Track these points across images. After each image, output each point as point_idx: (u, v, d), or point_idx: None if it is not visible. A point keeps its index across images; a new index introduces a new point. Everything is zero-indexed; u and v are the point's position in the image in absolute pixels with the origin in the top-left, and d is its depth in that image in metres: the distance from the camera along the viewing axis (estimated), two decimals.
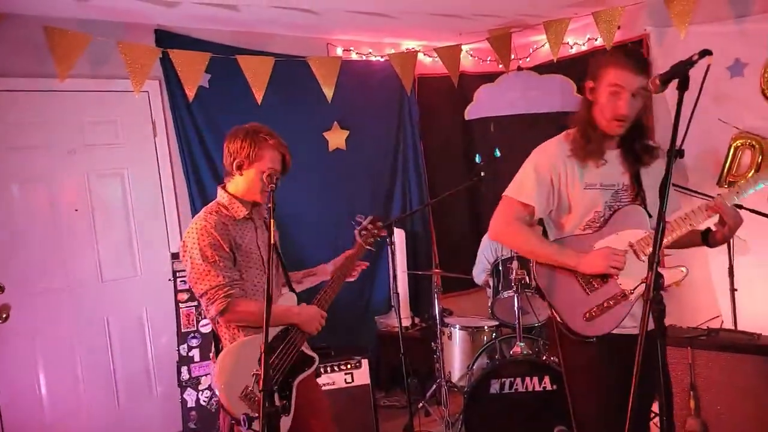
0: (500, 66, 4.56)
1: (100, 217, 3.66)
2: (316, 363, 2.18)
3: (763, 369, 2.45)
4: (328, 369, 3.52)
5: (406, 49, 4.58)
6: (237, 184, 2.16)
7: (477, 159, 4.88)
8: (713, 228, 2.02)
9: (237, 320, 2.05)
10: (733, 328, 3.13)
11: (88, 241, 3.62)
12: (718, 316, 3.57)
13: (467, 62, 4.87)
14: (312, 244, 4.11)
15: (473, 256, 4.16)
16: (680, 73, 1.65)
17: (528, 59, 4.82)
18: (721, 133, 3.78)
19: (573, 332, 1.94)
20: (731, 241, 3.31)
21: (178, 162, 3.86)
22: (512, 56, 4.52)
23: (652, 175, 2.00)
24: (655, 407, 1.61)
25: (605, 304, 1.92)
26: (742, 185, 1.98)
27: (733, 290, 3.29)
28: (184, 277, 3.66)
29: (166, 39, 3.70)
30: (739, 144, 3.73)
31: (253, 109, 3.71)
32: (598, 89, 1.95)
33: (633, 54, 2.03)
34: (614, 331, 1.91)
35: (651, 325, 1.51)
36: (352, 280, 2.45)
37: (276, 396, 2.00)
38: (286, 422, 2.01)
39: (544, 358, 3.17)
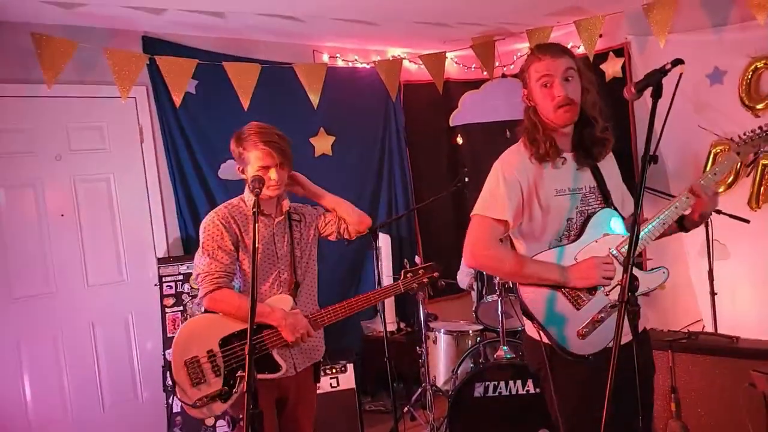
0: (484, 73, 4.62)
1: (86, 222, 3.66)
2: (279, 374, 2.12)
3: (741, 372, 2.49)
4: None
5: (392, 57, 4.63)
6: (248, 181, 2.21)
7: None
8: (687, 212, 1.94)
9: (218, 308, 2.12)
10: (713, 331, 3.18)
11: (74, 246, 3.61)
12: (699, 320, 3.63)
13: (452, 69, 4.93)
14: None
15: (459, 261, 4.19)
16: (654, 81, 1.67)
17: (512, 66, 4.88)
18: (702, 140, 3.86)
19: (569, 352, 1.81)
20: (711, 245, 3.38)
21: (164, 168, 3.87)
22: (496, 63, 4.58)
23: (608, 175, 1.98)
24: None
25: (596, 318, 1.83)
26: (713, 172, 1.94)
27: (713, 294, 3.35)
28: (171, 281, 3.67)
29: (153, 45, 3.72)
30: (719, 150, 3.81)
31: (239, 116, 3.71)
32: (532, 90, 1.92)
33: (547, 44, 2.04)
34: (609, 345, 1.79)
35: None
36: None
37: (219, 379, 2.04)
38: (219, 407, 2.05)
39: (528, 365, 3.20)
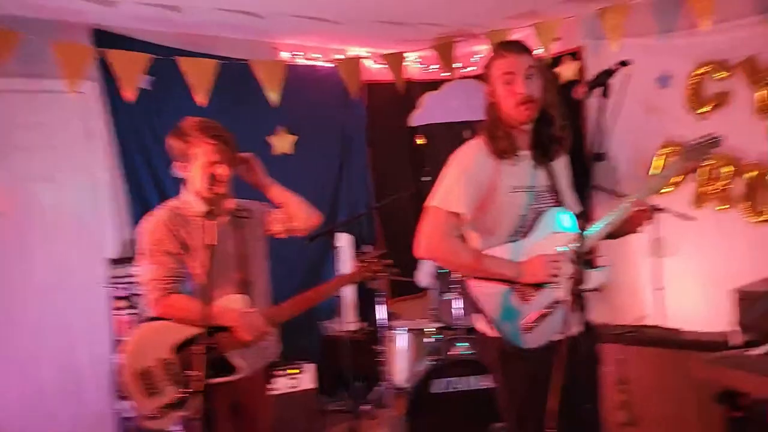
0: (445, 74, 4.67)
1: (31, 222, 3.52)
2: (236, 377, 2.08)
3: (683, 362, 2.59)
4: (272, 374, 3.50)
5: (353, 56, 4.63)
6: (191, 179, 2.13)
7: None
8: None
9: (169, 315, 2.06)
10: (659, 324, 3.29)
11: (18, 247, 3.47)
12: (646, 315, 3.75)
13: (414, 69, 4.97)
14: None
15: (418, 261, 4.23)
16: (602, 81, 1.73)
17: (472, 68, 4.94)
18: (650, 142, 4.00)
19: (516, 347, 1.86)
20: (658, 242, 3.50)
21: (115, 166, 3.75)
22: (457, 64, 4.64)
23: (560, 175, 2.03)
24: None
25: (543, 313, 1.86)
26: (652, 185, 2.06)
27: (659, 289, 3.47)
28: (123, 283, 3.57)
29: (105, 39, 3.61)
30: (666, 152, 3.95)
31: (195, 113, 3.62)
32: (494, 87, 1.94)
33: (510, 41, 2.06)
34: (553, 338, 1.84)
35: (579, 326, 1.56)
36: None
37: (176, 388, 1.99)
38: (179, 415, 2.00)
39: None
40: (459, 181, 1.91)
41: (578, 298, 1.65)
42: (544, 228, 1.93)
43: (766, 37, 3.45)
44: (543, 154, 1.97)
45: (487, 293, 1.89)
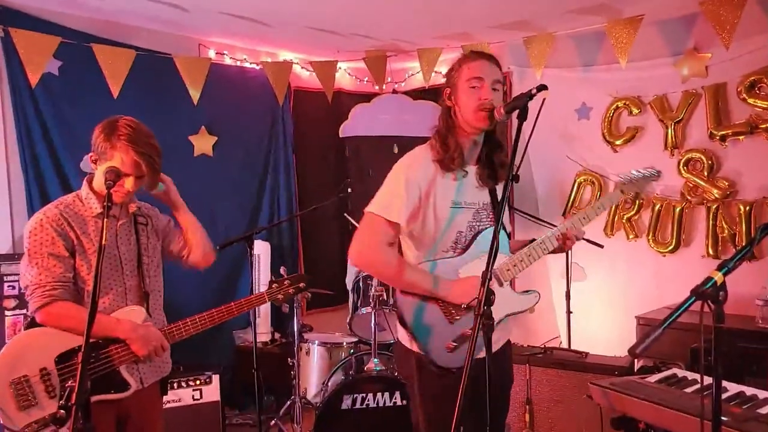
0: (376, 87, 4.66)
1: None
2: (127, 393, 1.92)
3: (586, 385, 2.66)
4: (174, 385, 3.31)
5: (283, 60, 4.53)
6: (97, 177, 1.96)
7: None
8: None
9: (54, 323, 1.87)
10: (567, 347, 3.39)
11: None
12: (557, 337, 3.87)
13: (345, 81, 4.93)
14: None
15: (340, 273, 4.16)
16: (520, 104, 1.74)
17: (403, 84, 4.98)
18: (568, 170, 4.16)
19: (436, 365, 1.81)
20: (570, 268, 3.62)
21: (14, 156, 3.45)
22: (388, 79, 4.65)
23: (498, 197, 2.00)
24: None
25: (467, 333, 1.81)
26: (588, 212, 2.07)
27: (569, 312, 3.58)
28: (13, 281, 3.27)
29: (9, 16, 3.32)
30: (582, 180, 4.12)
31: (108, 104, 3.44)
32: (458, 89, 1.88)
33: (484, 51, 2.03)
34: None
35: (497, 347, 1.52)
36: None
37: (54, 401, 1.81)
38: None
39: (397, 374, 3.22)
40: (401, 191, 1.83)
41: (486, 317, 1.63)
42: (480, 247, 1.88)
43: (676, 78, 3.68)
44: (489, 176, 1.94)
45: (413, 308, 1.85)
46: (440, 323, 1.83)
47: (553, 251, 2.03)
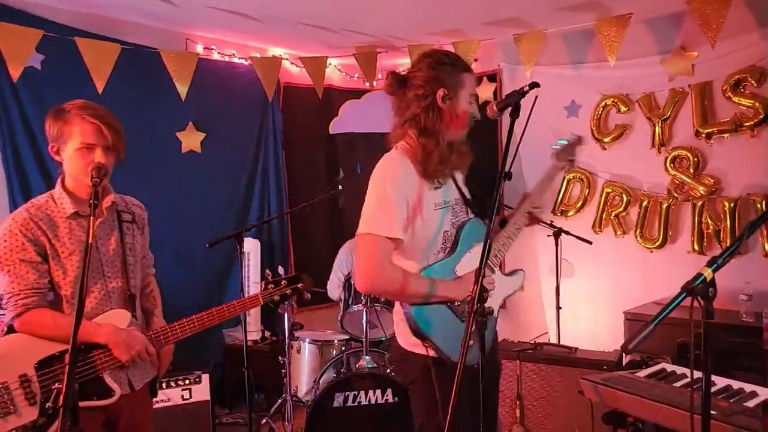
0: (366, 83, 4.66)
1: None
2: (111, 400, 1.86)
3: (576, 380, 2.68)
4: (164, 385, 3.29)
5: (272, 55, 4.51)
6: (68, 173, 1.90)
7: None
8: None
9: (32, 332, 1.81)
10: (556, 342, 3.42)
11: None
12: (546, 333, 3.90)
13: (335, 77, 4.92)
14: (155, 252, 3.80)
15: (330, 270, 4.15)
16: (513, 101, 1.75)
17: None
18: (576, 159, 4.18)
19: (451, 362, 1.78)
20: (559, 264, 3.65)
21: None
22: (379, 76, 4.64)
23: (462, 186, 2.02)
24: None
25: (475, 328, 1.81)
26: (543, 184, 2.20)
27: (558, 308, 3.61)
28: None
29: None
30: (571, 177, 4.15)
31: (92, 99, 3.30)
32: (459, 98, 1.86)
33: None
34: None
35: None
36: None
37: (35, 407, 1.76)
38: None
39: (389, 371, 3.23)
40: (390, 203, 1.77)
41: (481, 315, 1.64)
42: (466, 242, 1.89)
43: (663, 76, 3.71)
44: (452, 170, 1.95)
45: (423, 313, 1.80)
46: (451, 323, 1.82)
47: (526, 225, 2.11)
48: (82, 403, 1.78)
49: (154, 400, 3.23)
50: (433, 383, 1.82)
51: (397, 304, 1.92)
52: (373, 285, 1.80)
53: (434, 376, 1.81)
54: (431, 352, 1.82)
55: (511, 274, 2.03)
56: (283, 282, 2.19)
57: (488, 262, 1.84)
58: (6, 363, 1.76)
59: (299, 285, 2.20)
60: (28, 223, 1.82)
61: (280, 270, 2.22)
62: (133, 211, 2.07)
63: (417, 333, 1.82)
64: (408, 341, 1.88)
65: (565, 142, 2.30)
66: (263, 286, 2.20)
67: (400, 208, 1.77)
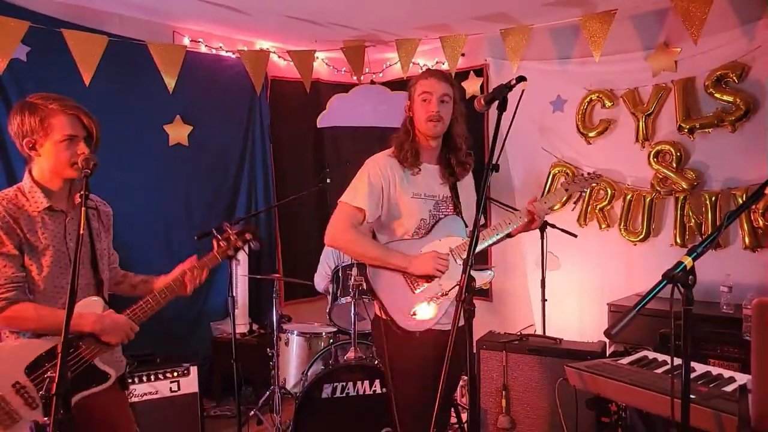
0: (354, 78, 4.67)
1: None
2: (109, 382, 1.90)
3: (560, 370, 2.73)
4: (152, 377, 3.30)
5: (260, 49, 4.50)
6: (41, 167, 1.87)
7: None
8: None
9: (14, 327, 1.81)
10: (542, 334, 3.47)
11: None
12: (531, 325, 3.95)
13: (323, 70, 4.92)
14: (142, 245, 3.81)
15: (318, 264, 4.16)
16: (500, 95, 1.79)
17: (381, 75, 4.99)
18: (544, 161, 4.24)
19: (400, 328, 2.13)
20: (545, 257, 3.70)
21: None
22: (366, 70, 4.65)
23: (465, 192, 2.33)
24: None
25: (428, 302, 2.15)
26: (549, 198, 2.33)
27: (543, 300, 3.66)
28: None
29: None
30: (557, 171, 4.20)
31: (79, 91, 3.35)
32: (414, 102, 2.24)
33: (436, 69, 2.52)
34: (433, 327, 2.14)
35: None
36: (186, 295, 2.11)
37: (38, 411, 1.76)
38: None
39: (377, 362, 3.26)
40: (364, 182, 2.19)
41: (467, 303, 1.68)
42: (440, 231, 2.23)
43: (647, 72, 3.77)
44: (450, 173, 2.28)
45: (381, 279, 2.17)
46: (404, 292, 2.16)
47: (519, 231, 2.28)
48: (83, 393, 1.83)
49: (143, 391, 3.27)
50: (387, 344, 2.16)
51: None
52: (333, 239, 2.22)
53: (383, 332, 2.16)
54: (384, 315, 2.17)
55: (480, 270, 2.23)
56: (232, 237, 2.19)
57: (455, 252, 2.19)
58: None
59: (246, 235, 2.22)
60: (4, 216, 1.79)
61: (225, 225, 2.23)
62: (99, 208, 2.07)
63: (369, 288, 2.21)
64: (376, 306, 2.23)
65: (582, 178, 2.49)
66: (216, 244, 2.19)
67: (372, 188, 2.17)
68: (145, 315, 1.97)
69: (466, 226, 2.29)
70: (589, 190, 3.96)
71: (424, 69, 4.79)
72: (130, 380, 3.08)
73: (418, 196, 2.22)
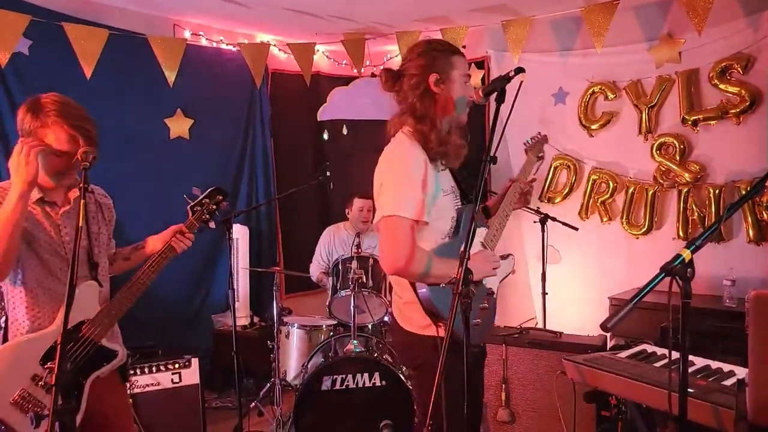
0: (355, 70, 4.64)
1: None
2: (119, 358, 1.96)
3: (560, 363, 2.73)
4: (153, 369, 3.30)
5: (260, 42, 4.48)
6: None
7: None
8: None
9: None
10: (542, 327, 3.46)
11: None
12: (532, 318, 3.94)
13: (323, 63, 4.90)
14: (142, 238, 3.80)
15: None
16: (498, 86, 1.76)
17: (382, 67, 4.94)
18: (546, 153, 4.19)
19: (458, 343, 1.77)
20: (545, 250, 3.69)
21: None
22: (367, 63, 4.63)
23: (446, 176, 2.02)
24: None
25: (483, 308, 1.90)
26: (524, 169, 2.26)
27: (544, 294, 3.65)
28: None
29: None
30: (558, 164, 4.18)
31: (80, 84, 3.38)
32: (452, 80, 1.86)
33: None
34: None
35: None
36: (178, 253, 2.12)
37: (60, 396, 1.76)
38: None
39: (376, 355, 3.26)
40: (411, 186, 1.77)
41: (465, 296, 1.66)
42: (464, 226, 1.89)
43: (650, 63, 3.73)
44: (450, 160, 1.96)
45: (440, 294, 1.79)
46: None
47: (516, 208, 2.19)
48: (97, 373, 1.89)
49: (144, 383, 3.28)
50: (432, 366, 1.73)
51: (400, 289, 1.92)
52: (400, 268, 1.76)
53: (438, 358, 1.71)
54: (434, 332, 1.82)
55: (504, 257, 2.04)
56: (206, 201, 2.22)
57: (487, 245, 1.95)
58: (12, 374, 1.78)
59: (218, 197, 2.24)
60: None
61: (195, 191, 2.24)
62: (100, 201, 2.07)
63: (435, 314, 1.81)
64: (419, 324, 1.87)
65: (532, 141, 2.43)
66: (190, 212, 2.20)
67: (418, 190, 1.77)
68: (144, 285, 1.99)
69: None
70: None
71: None
72: (132, 372, 3.09)
73: (447, 192, 1.89)
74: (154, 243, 2.16)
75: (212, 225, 2.35)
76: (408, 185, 1.78)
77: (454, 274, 1.72)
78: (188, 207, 2.21)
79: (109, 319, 1.92)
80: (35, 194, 1.86)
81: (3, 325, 1.99)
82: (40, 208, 1.88)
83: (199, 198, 2.23)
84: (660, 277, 1.37)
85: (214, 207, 2.23)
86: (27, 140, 1.76)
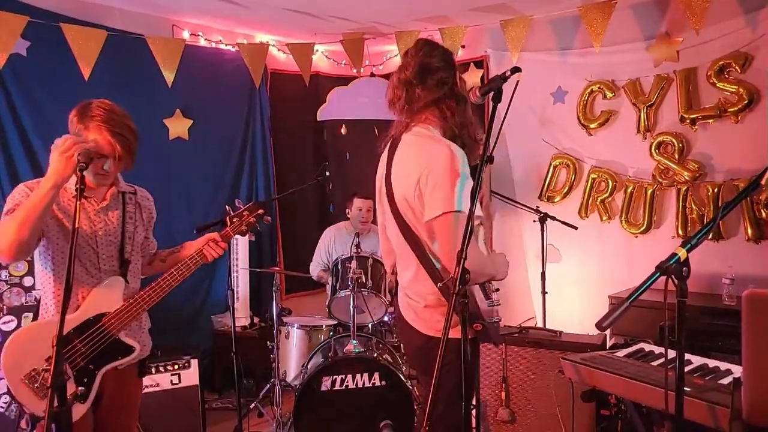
0: (354, 70, 4.65)
1: None
2: (134, 354, 2.01)
3: (559, 362, 2.72)
4: (152, 370, 3.31)
5: (259, 42, 4.48)
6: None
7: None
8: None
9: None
10: (542, 326, 3.46)
11: None
12: (532, 318, 3.94)
13: (322, 63, 4.90)
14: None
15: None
16: (495, 86, 1.76)
17: (381, 67, 4.97)
18: (544, 153, 4.21)
19: (494, 342, 1.92)
20: (545, 249, 3.69)
21: None
22: (366, 62, 4.63)
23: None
24: None
25: (497, 304, 1.94)
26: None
27: (543, 293, 3.65)
28: None
29: None
30: (557, 163, 4.18)
31: (79, 86, 3.39)
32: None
33: None
34: None
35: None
36: (208, 260, 2.20)
37: (71, 381, 1.87)
38: (80, 409, 1.89)
39: (376, 355, 3.26)
40: (468, 185, 1.76)
41: (462, 295, 1.66)
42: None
43: (649, 62, 3.73)
44: None
45: (477, 293, 1.84)
46: (482, 302, 1.87)
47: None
48: (110, 365, 1.96)
49: (143, 385, 3.28)
50: (461, 365, 1.73)
51: (420, 293, 1.91)
52: (483, 268, 1.77)
53: (471, 353, 1.77)
54: (473, 333, 1.79)
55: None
56: (245, 212, 2.31)
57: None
58: (28, 352, 1.86)
59: (259, 211, 2.32)
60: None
61: (238, 203, 2.33)
62: (141, 203, 2.17)
63: (477, 314, 1.82)
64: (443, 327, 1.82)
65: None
66: (228, 221, 2.28)
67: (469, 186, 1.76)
68: (169, 287, 2.08)
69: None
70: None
71: None
72: None
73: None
74: (189, 248, 2.25)
75: (251, 237, 2.42)
76: (466, 185, 1.77)
77: (503, 271, 1.86)
78: (226, 217, 2.29)
79: (128, 315, 1.99)
80: (72, 190, 1.92)
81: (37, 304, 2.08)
82: (79, 202, 1.92)
83: (240, 210, 2.31)
84: (655, 277, 1.37)
85: (254, 219, 2.30)
86: (71, 136, 1.85)
